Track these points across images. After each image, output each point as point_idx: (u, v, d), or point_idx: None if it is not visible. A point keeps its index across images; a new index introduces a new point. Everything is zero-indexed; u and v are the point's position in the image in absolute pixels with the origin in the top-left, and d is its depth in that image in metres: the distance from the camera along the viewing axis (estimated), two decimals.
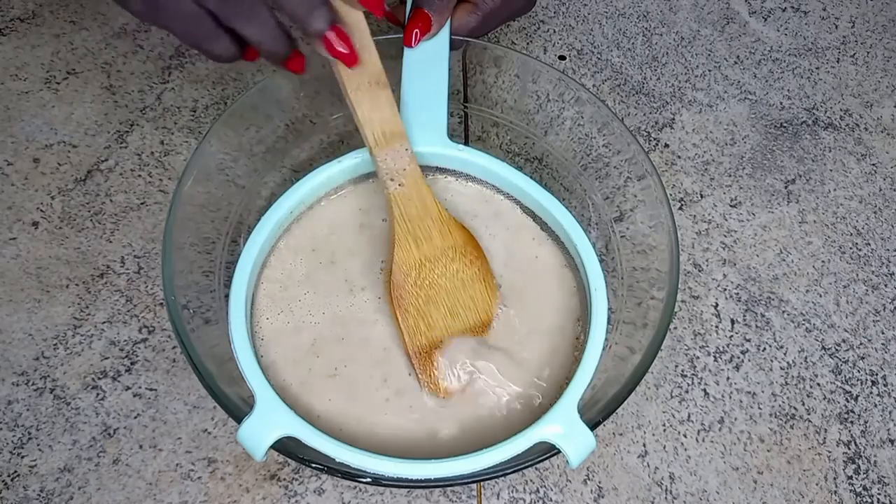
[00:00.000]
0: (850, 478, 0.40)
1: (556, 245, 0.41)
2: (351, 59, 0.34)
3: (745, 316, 0.44)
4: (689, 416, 0.41)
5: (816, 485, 0.39)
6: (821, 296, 0.46)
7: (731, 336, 0.44)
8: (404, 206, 0.38)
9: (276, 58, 0.35)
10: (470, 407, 0.36)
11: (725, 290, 0.45)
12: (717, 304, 0.45)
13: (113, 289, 0.42)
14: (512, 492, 0.38)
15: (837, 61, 0.57)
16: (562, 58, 0.55)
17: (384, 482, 0.31)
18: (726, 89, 0.54)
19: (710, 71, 0.55)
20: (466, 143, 0.47)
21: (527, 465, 0.32)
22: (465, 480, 0.32)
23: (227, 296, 0.36)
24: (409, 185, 0.38)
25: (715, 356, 0.43)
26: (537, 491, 0.38)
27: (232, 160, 0.40)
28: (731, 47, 0.57)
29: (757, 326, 0.44)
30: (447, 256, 0.38)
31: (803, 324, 0.44)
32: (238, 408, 0.32)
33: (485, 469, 0.31)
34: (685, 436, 0.40)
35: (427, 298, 0.38)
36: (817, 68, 0.56)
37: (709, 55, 0.56)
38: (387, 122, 0.37)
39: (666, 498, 0.38)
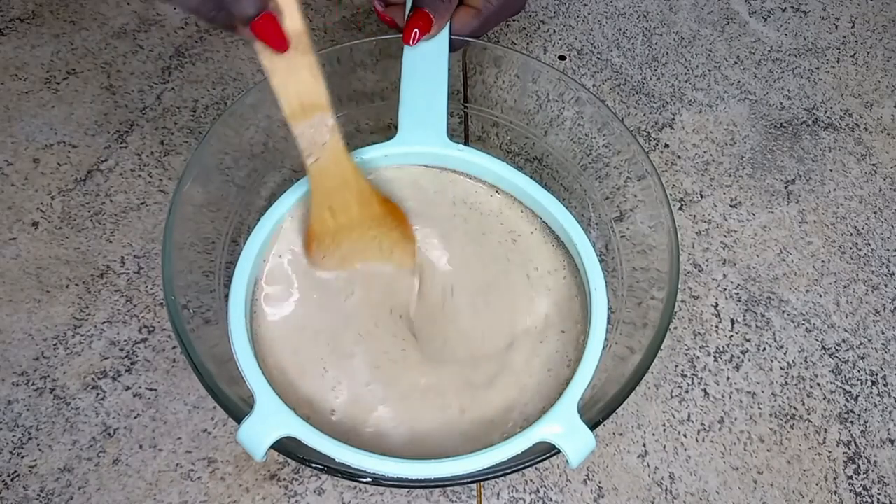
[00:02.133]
0: (850, 478, 0.40)
1: (555, 245, 0.41)
2: (281, 46, 0.31)
3: (745, 316, 0.44)
4: (689, 416, 0.41)
5: (816, 485, 0.39)
6: (821, 296, 0.46)
7: (731, 336, 0.44)
8: (321, 179, 0.36)
9: (241, 17, 0.30)
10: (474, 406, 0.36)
11: (725, 290, 0.45)
12: (717, 304, 0.45)
13: (113, 289, 0.42)
14: (512, 492, 0.38)
15: (837, 61, 0.57)
16: (562, 58, 0.55)
17: (384, 482, 0.31)
18: (726, 89, 0.54)
19: (710, 71, 0.55)
20: (466, 143, 0.47)
21: (527, 465, 0.32)
22: (465, 480, 0.32)
23: (227, 296, 0.36)
24: (328, 158, 0.36)
25: (715, 356, 0.43)
26: (537, 491, 0.38)
27: (232, 160, 0.40)
28: (731, 47, 0.57)
29: (757, 326, 0.44)
30: (365, 225, 0.38)
31: (803, 324, 0.44)
32: (238, 408, 0.32)
33: (485, 469, 0.31)
34: (685, 436, 0.40)
35: (342, 257, 0.38)
36: (817, 68, 0.56)
37: (709, 55, 0.56)
38: (305, 91, 0.33)
39: (666, 498, 0.38)
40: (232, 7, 0.29)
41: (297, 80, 0.33)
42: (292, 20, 0.31)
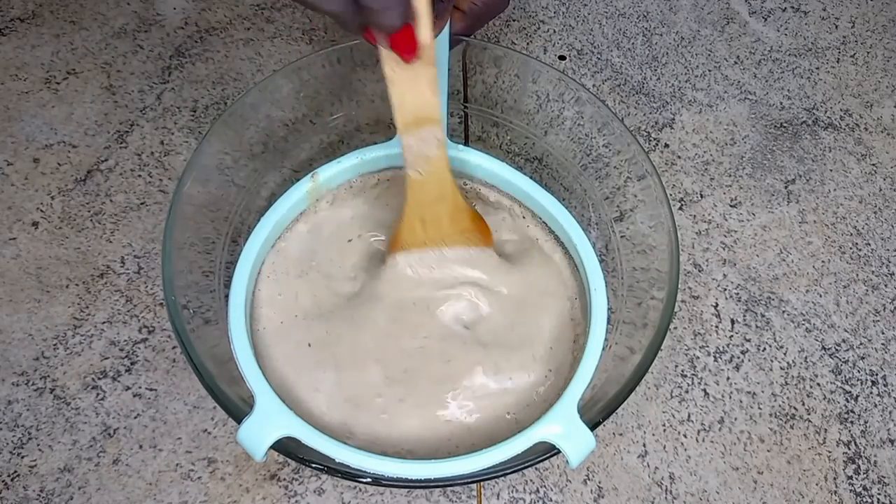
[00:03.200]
0: (850, 478, 0.40)
1: (555, 245, 0.41)
2: (411, 55, 0.31)
3: (745, 316, 0.44)
4: (689, 416, 0.41)
5: (816, 485, 0.39)
6: (821, 296, 0.46)
7: (731, 336, 0.44)
8: (419, 191, 0.36)
9: (385, 27, 0.29)
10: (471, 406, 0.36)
11: (725, 290, 0.45)
12: (717, 304, 0.45)
13: (113, 289, 0.42)
14: (512, 492, 0.38)
15: (837, 61, 0.57)
16: (562, 58, 0.55)
17: (384, 482, 0.31)
18: (726, 89, 0.54)
19: (710, 71, 0.55)
20: (466, 143, 0.47)
21: (527, 465, 0.32)
22: (465, 480, 0.32)
23: (227, 296, 0.36)
24: (430, 173, 0.36)
25: (715, 356, 0.43)
26: (537, 491, 0.38)
27: (232, 160, 0.40)
28: (731, 47, 0.57)
29: (757, 326, 0.44)
30: (452, 238, 0.38)
31: (803, 324, 0.44)
32: (238, 408, 0.32)
33: (485, 469, 0.31)
34: (685, 436, 0.40)
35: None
36: (817, 68, 0.56)
37: (709, 55, 0.56)
38: (422, 104, 0.33)
39: (666, 498, 0.38)
40: (377, 18, 0.29)
41: (415, 92, 0.33)
42: (424, 30, 0.30)
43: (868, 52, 0.58)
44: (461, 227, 0.38)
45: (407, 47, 0.31)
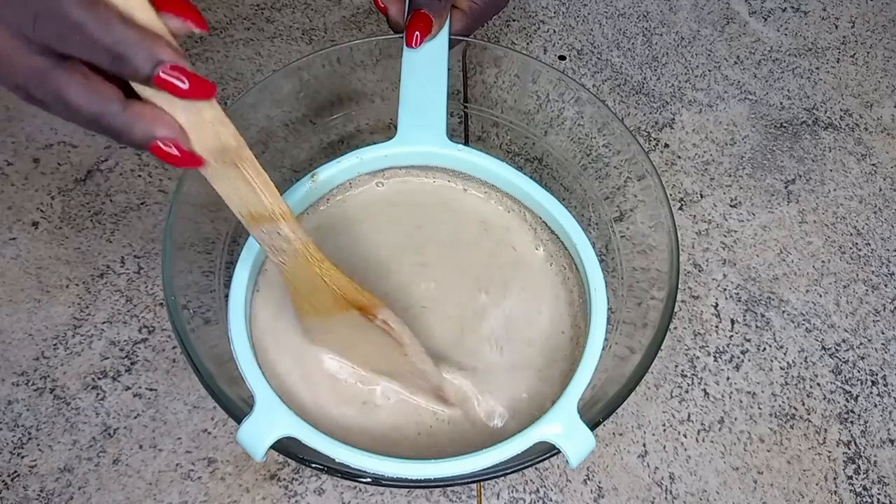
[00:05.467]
0: (850, 478, 0.40)
1: (555, 245, 0.41)
2: (191, 165, 0.27)
3: (745, 316, 0.44)
4: (689, 416, 0.41)
5: (816, 485, 0.39)
6: (821, 296, 0.46)
7: (731, 336, 0.44)
8: (292, 277, 0.33)
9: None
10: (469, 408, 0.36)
11: (725, 290, 0.45)
12: (717, 304, 0.45)
13: (113, 289, 0.42)
14: (512, 492, 0.38)
15: (837, 61, 0.57)
16: (562, 58, 0.55)
17: (384, 482, 0.31)
18: (726, 89, 0.54)
19: (710, 71, 0.55)
20: (466, 143, 0.47)
21: (527, 465, 0.32)
22: (465, 480, 0.32)
23: (227, 296, 0.36)
24: (292, 264, 0.33)
25: (715, 356, 0.43)
26: (537, 491, 0.38)
27: None
28: (731, 47, 0.57)
29: (757, 326, 0.44)
30: (354, 318, 0.33)
31: (803, 324, 0.44)
32: (238, 408, 0.32)
33: (485, 469, 0.31)
34: (685, 436, 0.40)
35: (342, 341, 0.36)
36: (817, 68, 0.56)
37: (709, 55, 0.56)
38: (249, 202, 0.30)
39: (666, 498, 0.38)
40: (120, 136, 0.25)
41: (235, 192, 0.29)
42: (203, 139, 0.27)
43: (868, 52, 0.58)
44: (349, 308, 0.33)
45: (180, 160, 0.26)
